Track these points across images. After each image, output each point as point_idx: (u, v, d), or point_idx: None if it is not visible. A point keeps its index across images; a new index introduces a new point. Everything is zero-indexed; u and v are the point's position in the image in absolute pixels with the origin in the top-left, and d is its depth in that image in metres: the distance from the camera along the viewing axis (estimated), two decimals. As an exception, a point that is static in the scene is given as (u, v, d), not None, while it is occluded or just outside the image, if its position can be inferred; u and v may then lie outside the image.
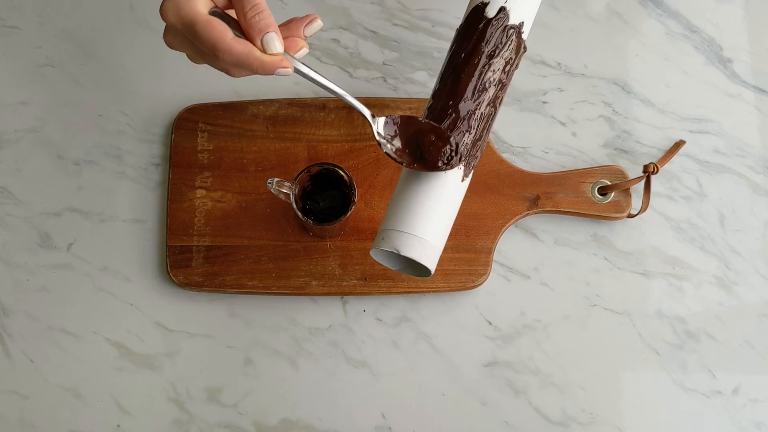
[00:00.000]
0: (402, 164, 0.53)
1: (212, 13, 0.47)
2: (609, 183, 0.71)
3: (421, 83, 0.74)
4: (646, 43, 0.77)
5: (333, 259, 0.69)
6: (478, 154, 0.56)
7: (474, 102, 0.54)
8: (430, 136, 0.53)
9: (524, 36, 0.57)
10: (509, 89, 0.75)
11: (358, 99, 0.74)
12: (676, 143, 0.73)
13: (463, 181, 0.55)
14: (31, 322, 0.69)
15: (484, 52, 0.54)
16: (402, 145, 0.53)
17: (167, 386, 0.68)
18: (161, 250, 0.71)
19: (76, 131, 0.73)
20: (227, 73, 0.49)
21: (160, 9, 0.46)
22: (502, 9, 0.55)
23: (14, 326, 0.69)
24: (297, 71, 0.48)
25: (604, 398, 0.69)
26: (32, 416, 0.68)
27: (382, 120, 0.53)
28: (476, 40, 0.55)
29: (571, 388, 0.69)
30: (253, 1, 0.46)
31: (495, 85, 0.55)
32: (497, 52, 0.55)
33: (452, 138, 0.53)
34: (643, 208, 0.70)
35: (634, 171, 0.73)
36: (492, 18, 0.55)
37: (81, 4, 0.76)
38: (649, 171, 0.70)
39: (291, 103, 0.72)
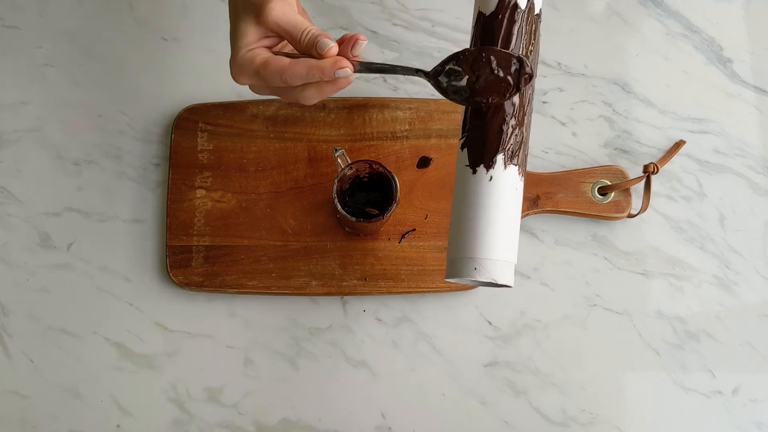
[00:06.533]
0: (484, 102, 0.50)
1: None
2: (609, 183, 0.71)
3: (421, 83, 0.74)
4: (646, 43, 0.77)
5: (333, 259, 0.69)
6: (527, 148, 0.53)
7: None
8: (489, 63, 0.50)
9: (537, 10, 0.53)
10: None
11: (358, 99, 0.74)
12: (676, 143, 0.73)
13: (520, 177, 0.52)
14: (31, 322, 0.69)
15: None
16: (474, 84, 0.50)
17: (167, 386, 0.68)
18: (161, 250, 0.71)
19: (76, 131, 0.73)
20: (300, 101, 0.53)
21: (233, 76, 0.54)
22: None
23: (14, 326, 0.69)
24: (360, 70, 0.52)
25: (604, 398, 0.69)
26: (32, 416, 0.68)
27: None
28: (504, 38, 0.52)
29: (571, 388, 0.69)
30: (301, 27, 0.52)
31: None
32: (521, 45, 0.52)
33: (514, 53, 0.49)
34: (643, 208, 0.70)
35: (634, 171, 0.73)
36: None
37: (81, 4, 0.76)
38: (649, 171, 0.70)
39: (291, 103, 0.72)
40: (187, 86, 0.74)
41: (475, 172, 0.51)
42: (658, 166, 0.70)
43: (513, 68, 0.49)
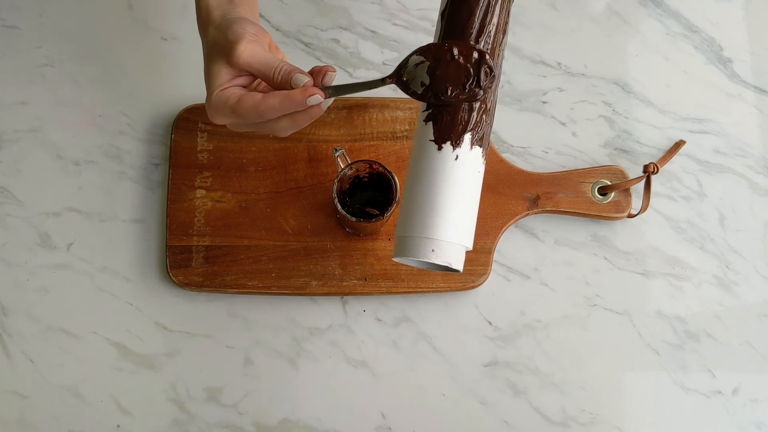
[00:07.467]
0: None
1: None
2: (609, 183, 0.71)
3: (421, 83, 0.74)
4: (646, 43, 0.77)
5: (333, 259, 0.69)
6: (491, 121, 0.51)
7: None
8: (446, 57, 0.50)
9: None
10: (508, 88, 0.75)
11: (358, 99, 0.74)
12: (676, 143, 0.73)
13: (483, 161, 0.50)
14: (31, 322, 0.69)
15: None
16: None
17: (167, 386, 0.68)
18: (161, 250, 0.71)
19: (76, 131, 0.73)
20: (276, 133, 0.55)
21: (209, 116, 0.55)
22: None
23: (14, 326, 0.69)
24: (331, 94, 0.53)
25: (604, 398, 0.69)
26: (32, 416, 0.68)
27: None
28: None
29: (571, 388, 0.69)
30: (273, 66, 0.53)
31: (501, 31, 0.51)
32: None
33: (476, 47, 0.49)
34: (643, 208, 0.70)
35: (634, 171, 0.73)
36: None
37: (81, 4, 0.76)
38: (649, 171, 0.70)
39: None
40: (187, 86, 0.74)
41: (440, 148, 0.49)
42: (658, 166, 0.70)
43: (473, 58, 0.49)
